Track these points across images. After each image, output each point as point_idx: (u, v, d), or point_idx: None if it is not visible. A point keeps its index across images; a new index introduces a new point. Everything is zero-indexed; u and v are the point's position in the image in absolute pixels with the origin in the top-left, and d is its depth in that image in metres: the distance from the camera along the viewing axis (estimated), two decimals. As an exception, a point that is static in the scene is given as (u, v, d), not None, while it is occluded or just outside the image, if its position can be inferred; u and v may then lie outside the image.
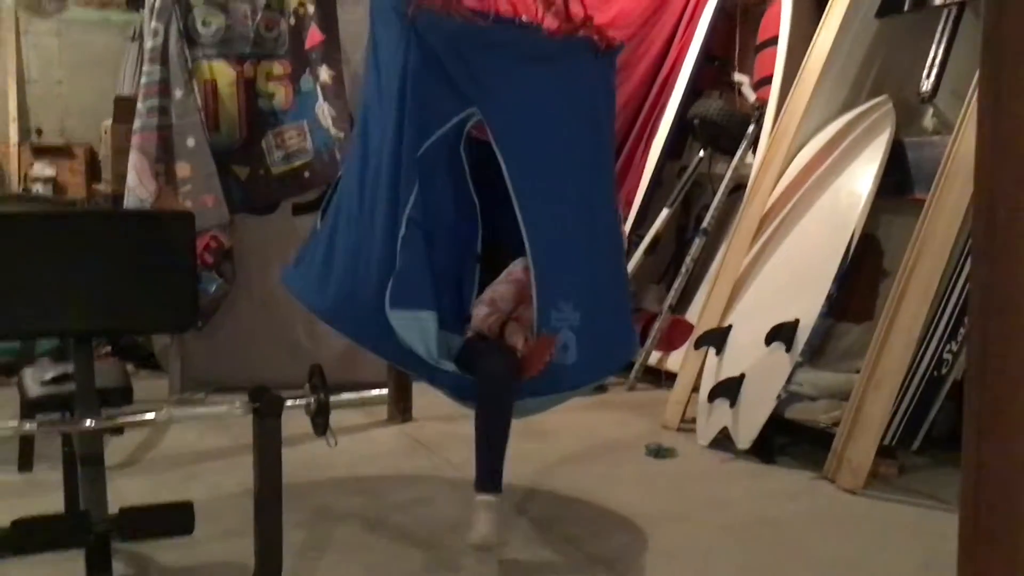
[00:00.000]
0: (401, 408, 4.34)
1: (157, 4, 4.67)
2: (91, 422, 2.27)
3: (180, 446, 3.95)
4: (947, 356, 3.54)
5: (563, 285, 2.67)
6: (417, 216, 2.70)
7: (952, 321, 3.49)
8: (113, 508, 2.30)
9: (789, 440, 3.93)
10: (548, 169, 2.73)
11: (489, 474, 2.67)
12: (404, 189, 2.70)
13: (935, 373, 3.55)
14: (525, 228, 2.62)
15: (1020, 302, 1.40)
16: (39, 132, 7.72)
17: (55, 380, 2.64)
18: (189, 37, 4.70)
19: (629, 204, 5.35)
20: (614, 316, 2.85)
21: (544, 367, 2.54)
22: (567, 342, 2.62)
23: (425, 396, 4.47)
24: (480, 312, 2.89)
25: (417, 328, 2.63)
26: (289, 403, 2.33)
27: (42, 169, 7.40)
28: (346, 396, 2.43)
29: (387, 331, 2.62)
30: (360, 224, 2.80)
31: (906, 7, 4.14)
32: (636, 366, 5.03)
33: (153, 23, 4.67)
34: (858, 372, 3.67)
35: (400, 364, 2.77)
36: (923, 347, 3.51)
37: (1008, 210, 1.42)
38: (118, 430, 2.71)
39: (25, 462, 3.55)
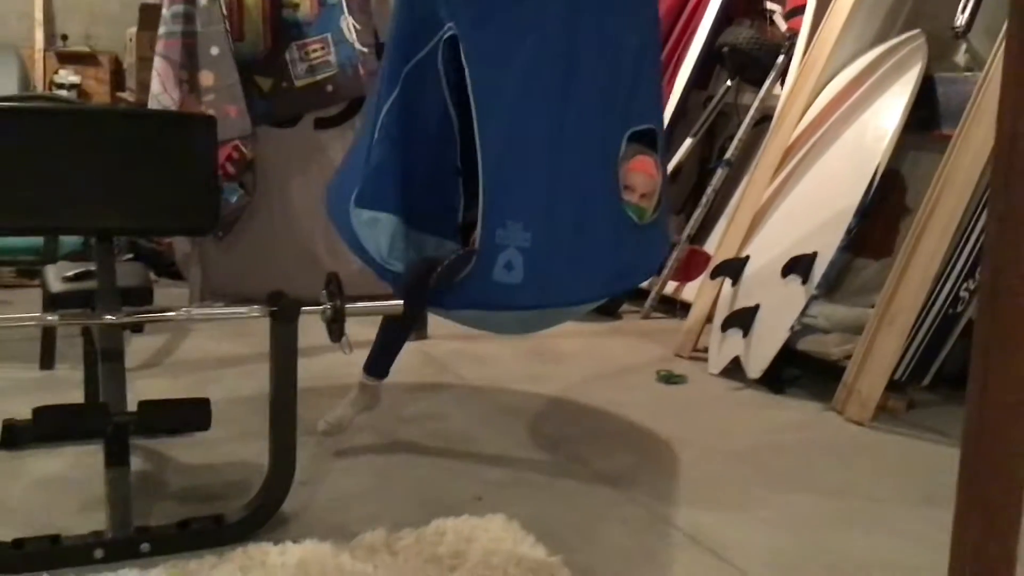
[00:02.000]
0: (416, 324, 4.38)
1: (185, -90, 4.61)
2: (111, 317, 2.32)
3: (199, 352, 4.02)
4: (963, 294, 3.54)
5: (513, 204, 2.68)
6: (390, 124, 2.87)
7: (971, 259, 3.48)
8: (132, 407, 2.35)
9: (800, 372, 3.95)
10: (523, 89, 2.70)
11: (375, 359, 2.97)
12: (383, 100, 2.89)
13: (950, 311, 3.55)
14: (480, 146, 2.66)
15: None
16: (64, 38, 7.70)
17: (77, 277, 2.68)
18: (215, -57, 4.65)
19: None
20: (590, 242, 2.78)
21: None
22: (511, 260, 2.64)
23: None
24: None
25: (371, 228, 2.89)
26: (306, 309, 2.36)
27: (67, 75, 7.41)
28: (361, 304, 2.45)
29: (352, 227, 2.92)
30: (357, 134, 2.89)
31: (946, -62, 4.05)
32: (651, 295, 5.05)
33: (180, -72, 4.61)
34: (873, 307, 3.68)
35: (360, 258, 2.97)
36: (940, 284, 3.50)
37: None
38: (138, 328, 2.76)
39: (47, 360, 3.62)
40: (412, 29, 2.87)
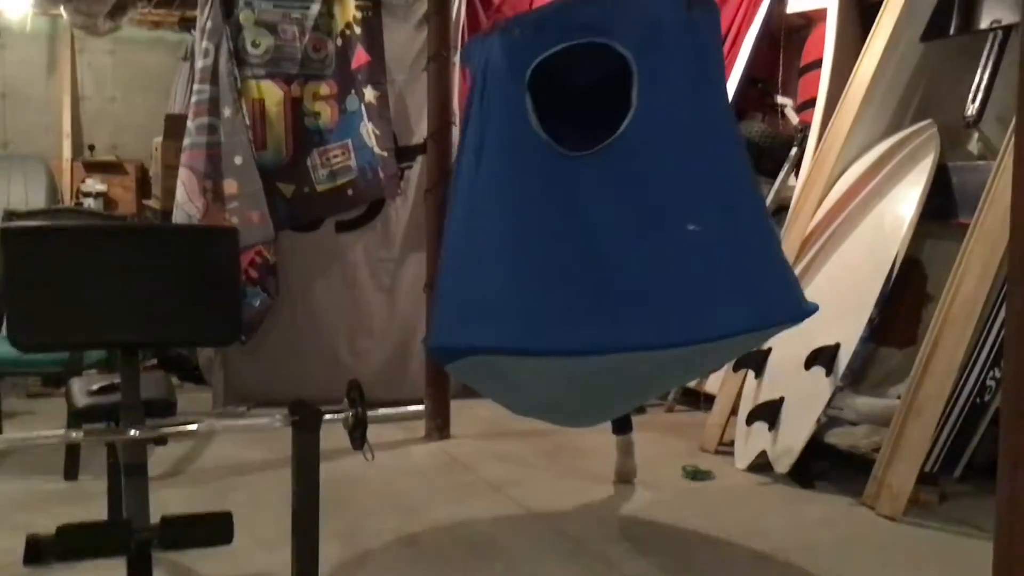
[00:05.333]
0: (438, 425, 4.37)
1: (208, 25, 4.78)
2: (135, 432, 2.32)
3: (221, 458, 4.01)
4: (990, 383, 3.50)
5: None
6: None
7: (996, 347, 3.44)
8: (155, 517, 2.34)
9: (829, 465, 3.89)
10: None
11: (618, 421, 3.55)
12: None
13: (978, 400, 3.51)
14: None
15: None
16: (92, 148, 7.91)
17: (102, 391, 2.70)
18: (239, 57, 4.81)
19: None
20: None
21: None
22: None
23: (463, 414, 4.52)
24: None
25: None
26: (327, 417, 2.36)
27: (94, 184, 7.59)
28: (383, 411, 2.44)
29: None
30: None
31: (951, 31, 4.12)
32: (675, 388, 5.02)
33: (204, 43, 4.78)
34: (899, 398, 3.64)
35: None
36: (966, 373, 3.47)
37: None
38: (161, 440, 2.76)
39: (71, 471, 3.63)
40: None
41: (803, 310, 2.67)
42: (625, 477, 3.82)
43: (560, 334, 2.45)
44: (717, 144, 2.67)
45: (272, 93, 4.87)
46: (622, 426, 3.79)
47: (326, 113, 4.94)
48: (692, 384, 5.02)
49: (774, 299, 2.59)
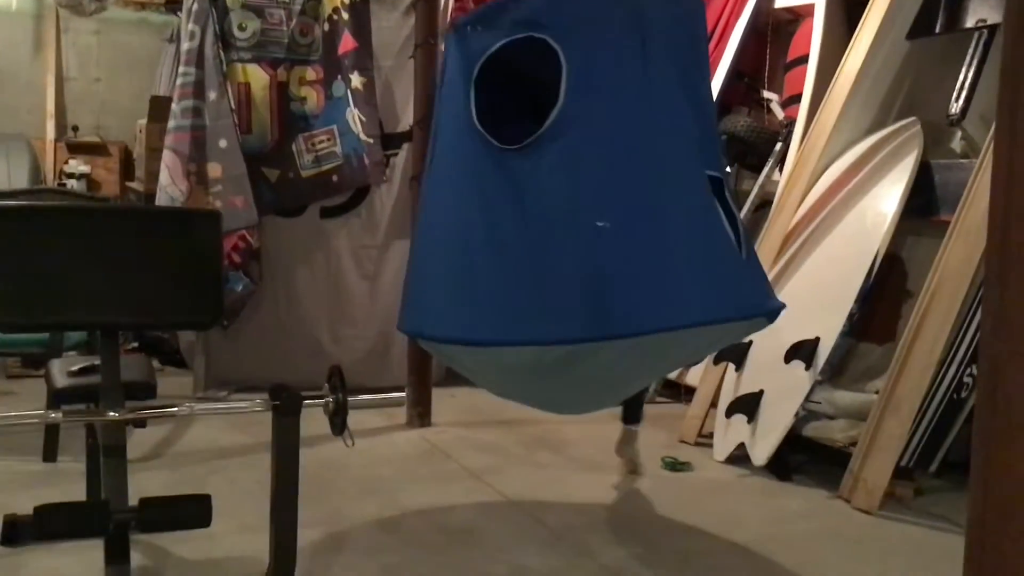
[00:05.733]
0: (420, 412, 4.38)
1: (194, 7, 4.75)
2: (115, 413, 2.32)
3: (201, 442, 4.01)
4: (967, 379, 3.53)
5: None
6: None
7: (973, 345, 3.48)
8: (133, 500, 2.34)
9: (806, 458, 3.92)
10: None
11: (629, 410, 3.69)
12: None
13: (955, 396, 3.54)
14: None
15: (1029, 326, 1.42)
16: (75, 129, 7.84)
17: (81, 372, 2.69)
18: (225, 40, 4.78)
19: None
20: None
21: None
22: None
23: (444, 401, 4.54)
24: None
25: None
26: (308, 402, 2.37)
27: (77, 165, 7.53)
28: (364, 398, 2.45)
29: None
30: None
31: (937, 29, 4.14)
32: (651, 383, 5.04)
33: (190, 26, 4.75)
34: (877, 393, 3.67)
35: None
36: (943, 369, 3.50)
37: (1020, 234, 1.44)
38: (141, 423, 2.76)
39: (49, 452, 3.61)
40: None
41: (767, 306, 2.60)
42: (630, 467, 3.84)
43: (488, 326, 2.47)
44: (666, 139, 2.60)
45: (258, 77, 4.84)
46: (628, 416, 3.83)
47: (312, 98, 4.92)
48: (673, 376, 5.04)
49: (728, 294, 2.51)
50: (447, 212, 2.68)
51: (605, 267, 2.43)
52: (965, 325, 3.48)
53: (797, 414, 3.76)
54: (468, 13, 2.90)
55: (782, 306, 2.62)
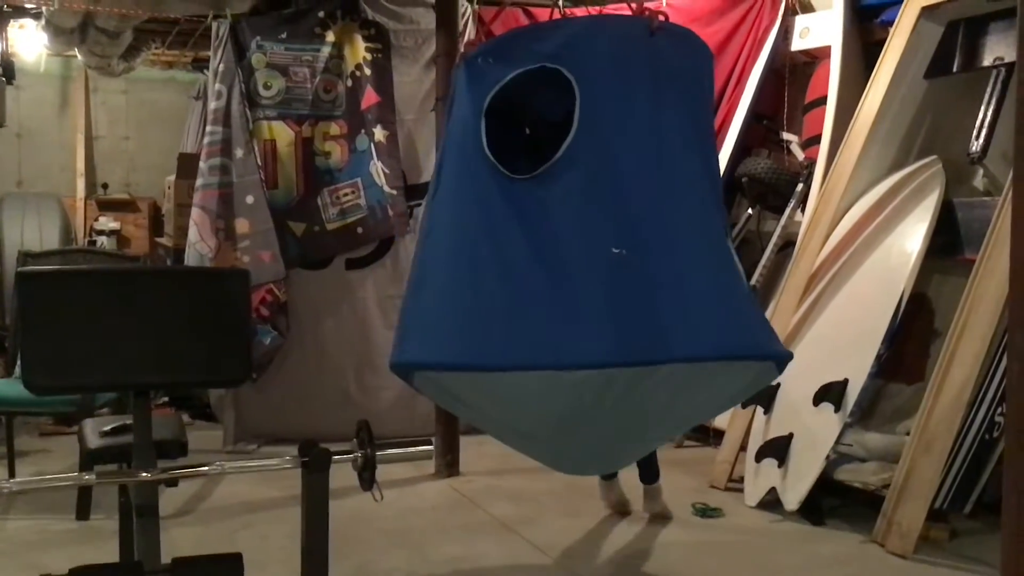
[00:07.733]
0: (448, 462, 4.38)
1: (221, 67, 4.86)
2: (147, 474, 2.34)
3: (232, 497, 4.03)
4: (999, 419, 3.49)
5: None
6: None
7: (1003, 384, 3.45)
8: (166, 558, 2.36)
9: (839, 502, 3.88)
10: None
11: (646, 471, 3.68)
12: None
13: (986, 436, 3.50)
14: None
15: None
16: (105, 186, 7.99)
17: (114, 431, 2.72)
18: (250, 99, 4.88)
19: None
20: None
21: None
22: None
23: (472, 449, 4.53)
24: None
25: None
26: (337, 457, 2.38)
27: (107, 222, 7.66)
28: (392, 452, 2.46)
29: None
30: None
31: (955, 68, 4.16)
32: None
33: (217, 85, 4.85)
34: (908, 434, 3.64)
35: None
36: (974, 410, 3.47)
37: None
38: (173, 482, 2.78)
39: (83, 511, 3.65)
40: None
41: (780, 351, 2.59)
42: (657, 517, 3.84)
43: (492, 352, 2.44)
44: (679, 175, 2.64)
45: (283, 134, 4.93)
46: (645, 475, 3.81)
47: (336, 152, 5.00)
48: (701, 419, 5.02)
49: (732, 332, 2.48)
50: (452, 240, 2.67)
51: (620, 294, 2.45)
52: (995, 364, 3.46)
53: (828, 457, 3.72)
54: (477, 47, 2.93)
55: (791, 355, 2.61)
